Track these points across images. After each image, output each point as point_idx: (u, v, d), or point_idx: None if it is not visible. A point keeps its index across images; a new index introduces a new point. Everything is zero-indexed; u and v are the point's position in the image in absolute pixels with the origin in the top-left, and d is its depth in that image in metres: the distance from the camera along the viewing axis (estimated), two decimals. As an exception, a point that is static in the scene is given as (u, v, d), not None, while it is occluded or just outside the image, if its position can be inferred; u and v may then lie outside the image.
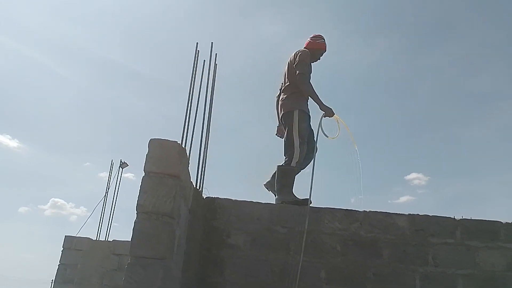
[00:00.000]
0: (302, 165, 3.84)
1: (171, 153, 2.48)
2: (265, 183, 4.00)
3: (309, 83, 3.81)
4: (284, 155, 3.81)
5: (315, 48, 4.02)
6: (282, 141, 3.96)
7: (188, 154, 3.27)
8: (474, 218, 3.36)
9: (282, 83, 4.12)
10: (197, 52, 3.78)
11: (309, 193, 3.46)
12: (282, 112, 3.90)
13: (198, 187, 3.51)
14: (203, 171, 3.63)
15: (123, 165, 9.14)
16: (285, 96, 3.91)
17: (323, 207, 3.44)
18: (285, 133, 3.84)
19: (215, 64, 3.93)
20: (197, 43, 3.79)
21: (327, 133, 3.73)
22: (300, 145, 3.68)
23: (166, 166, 2.44)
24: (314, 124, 3.90)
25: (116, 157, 9.70)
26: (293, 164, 3.67)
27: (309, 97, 3.84)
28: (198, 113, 3.63)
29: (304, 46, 4.06)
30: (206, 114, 3.73)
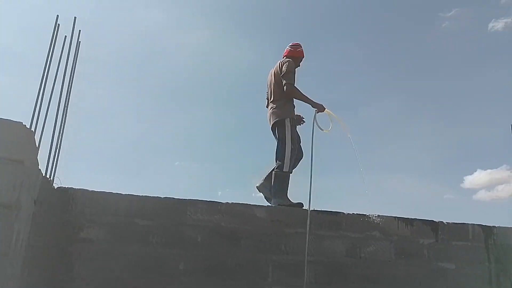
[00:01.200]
0: (294, 166, 4.12)
1: (14, 135, 2.19)
2: (258, 185, 4.20)
3: (297, 90, 4.10)
4: (276, 159, 4.05)
5: (296, 56, 4.31)
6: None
7: (38, 139, 2.92)
8: (322, 210, 3.73)
9: (268, 93, 4.41)
10: (57, 26, 3.40)
11: (309, 194, 3.66)
12: (273, 121, 4.13)
13: (49, 176, 3.16)
14: (56, 159, 3.29)
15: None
16: (275, 105, 4.18)
17: (186, 198, 3.44)
18: (277, 139, 4.10)
19: (78, 42, 3.58)
20: (57, 15, 3.39)
21: (322, 127, 4.06)
22: (291, 151, 3.98)
23: (7, 150, 2.14)
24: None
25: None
26: (285, 169, 3.95)
27: (301, 100, 4.13)
28: (54, 93, 3.26)
29: (285, 54, 4.33)
30: (64, 96, 3.38)
